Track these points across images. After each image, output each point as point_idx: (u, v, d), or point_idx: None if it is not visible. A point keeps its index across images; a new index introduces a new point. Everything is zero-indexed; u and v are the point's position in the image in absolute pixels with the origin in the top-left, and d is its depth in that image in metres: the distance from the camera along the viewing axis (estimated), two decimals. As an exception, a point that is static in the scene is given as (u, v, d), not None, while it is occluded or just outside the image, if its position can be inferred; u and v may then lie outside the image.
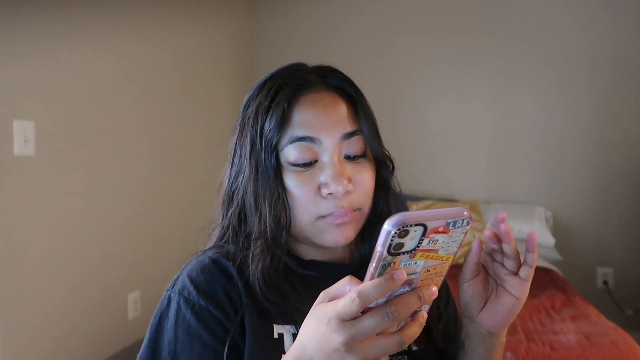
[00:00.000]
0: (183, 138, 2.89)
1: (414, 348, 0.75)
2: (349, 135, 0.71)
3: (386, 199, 0.76)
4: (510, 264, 0.64)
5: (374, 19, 3.42)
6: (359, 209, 0.72)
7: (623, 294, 3.09)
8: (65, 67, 2.11)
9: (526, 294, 0.65)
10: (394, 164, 0.78)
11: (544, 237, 2.90)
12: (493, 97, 3.29)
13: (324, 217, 0.70)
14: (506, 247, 0.63)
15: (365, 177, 0.72)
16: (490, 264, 0.67)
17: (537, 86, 3.21)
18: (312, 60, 0.79)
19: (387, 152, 0.77)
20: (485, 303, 0.67)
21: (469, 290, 0.67)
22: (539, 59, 3.20)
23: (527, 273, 0.63)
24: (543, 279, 2.41)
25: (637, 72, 3.08)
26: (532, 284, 2.17)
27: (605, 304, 2.99)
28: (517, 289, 0.64)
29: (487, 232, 0.63)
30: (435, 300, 0.77)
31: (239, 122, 0.76)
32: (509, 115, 3.27)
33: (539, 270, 2.55)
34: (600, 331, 1.77)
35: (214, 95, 3.21)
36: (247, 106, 0.75)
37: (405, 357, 0.73)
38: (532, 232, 0.63)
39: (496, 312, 0.66)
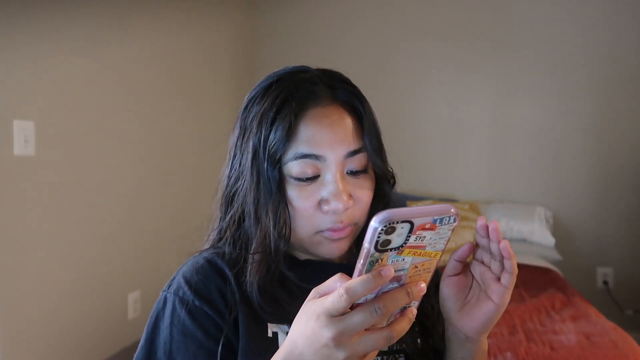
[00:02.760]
0: (183, 138, 2.89)
1: (412, 347, 0.75)
2: (353, 153, 0.71)
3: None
4: (495, 265, 0.63)
5: (375, 20, 3.42)
6: (355, 224, 0.73)
7: (623, 294, 3.09)
8: (65, 67, 2.11)
9: (506, 302, 0.63)
10: (395, 179, 0.78)
11: (544, 237, 2.89)
12: (493, 97, 3.29)
13: (321, 231, 0.71)
14: (492, 246, 0.62)
15: (364, 193, 0.72)
16: (478, 268, 0.65)
17: (537, 87, 3.21)
18: (313, 62, 0.78)
19: (389, 169, 0.77)
20: (464, 305, 0.66)
21: (444, 289, 0.66)
22: (538, 60, 3.20)
23: (507, 280, 0.61)
24: (543, 279, 2.41)
25: (635, 72, 3.08)
26: (532, 283, 2.17)
27: (605, 304, 2.99)
28: (497, 295, 0.62)
29: (480, 222, 0.62)
30: (434, 304, 0.78)
31: (238, 123, 0.75)
32: (509, 115, 3.27)
33: (539, 270, 2.55)
34: (600, 331, 1.76)
35: (214, 95, 3.21)
36: (248, 108, 0.73)
37: (402, 356, 0.73)
38: (503, 240, 0.61)
39: (473, 316, 0.65)
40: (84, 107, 2.22)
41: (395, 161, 0.78)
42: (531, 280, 2.38)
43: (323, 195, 0.70)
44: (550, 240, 2.89)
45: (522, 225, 2.93)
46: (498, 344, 1.67)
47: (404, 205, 0.77)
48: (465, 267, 0.67)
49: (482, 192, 3.28)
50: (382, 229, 0.46)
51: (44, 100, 2.03)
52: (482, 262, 0.65)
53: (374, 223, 0.47)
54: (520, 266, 2.59)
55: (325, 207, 0.69)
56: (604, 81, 3.12)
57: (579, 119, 3.16)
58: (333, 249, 0.72)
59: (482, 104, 3.30)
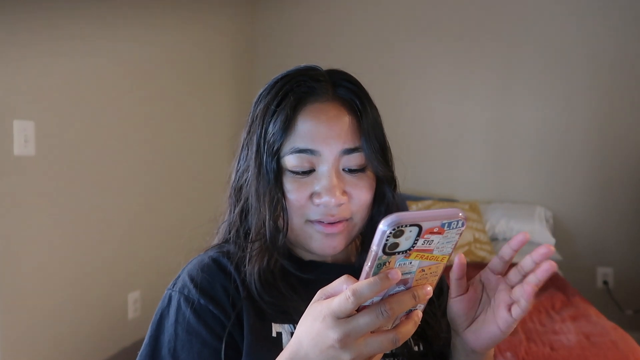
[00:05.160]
0: (183, 138, 2.89)
1: (416, 348, 0.75)
2: (349, 151, 0.71)
3: (387, 214, 0.76)
4: (518, 290, 0.61)
5: (374, 20, 3.42)
6: (350, 219, 0.73)
7: (623, 294, 3.09)
8: (65, 67, 2.11)
9: (511, 330, 0.63)
10: (397, 182, 0.78)
11: (544, 237, 2.89)
12: (493, 97, 3.29)
13: (311, 222, 0.71)
14: (532, 278, 0.60)
15: (362, 191, 0.72)
16: (493, 283, 0.64)
17: (537, 86, 3.21)
18: (312, 61, 0.79)
19: (391, 171, 0.76)
20: (472, 321, 0.66)
21: (454, 306, 0.66)
22: (538, 59, 3.20)
23: (517, 314, 0.61)
24: (543, 279, 2.40)
25: (636, 71, 3.08)
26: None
27: (605, 304, 2.99)
28: (503, 323, 0.62)
29: (522, 237, 0.61)
30: (436, 310, 0.78)
31: (249, 117, 0.76)
32: (509, 115, 3.27)
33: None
34: (600, 331, 1.77)
35: (215, 95, 3.21)
36: (258, 101, 0.75)
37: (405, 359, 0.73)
38: (530, 282, 0.59)
39: (479, 335, 0.65)
40: (84, 107, 2.22)
41: (396, 162, 0.78)
42: (531, 280, 2.37)
43: (316, 189, 0.70)
44: (550, 240, 2.89)
45: (522, 225, 2.93)
46: (498, 343, 1.66)
47: (404, 205, 0.77)
48: (473, 280, 0.66)
49: (482, 192, 3.28)
50: (390, 232, 0.47)
51: (44, 100, 2.03)
52: (499, 276, 0.64)
53: (382, 226, 0.47)
54: (520, 266, 2.59)
55: (317, 201, 0.70)
56: (604, 81, 3.12)
57: (579, 119, 3.16)
58: (325, 246, 0.72)
59: (482, 104, 3.30)
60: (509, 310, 0.61)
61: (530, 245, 2.92)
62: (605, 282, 3.12)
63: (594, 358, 1.56)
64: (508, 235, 2.97)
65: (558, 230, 3.12)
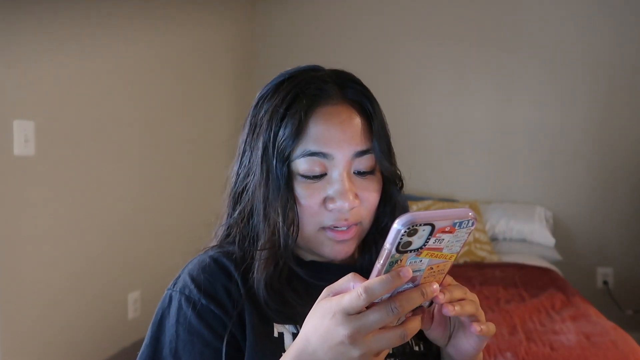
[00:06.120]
0: (183, 138, 2.89)
1: (416, 348, 0.75)
2: (361, 153, 0.71)
3: (392, 214, 0.76)
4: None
5: (375, 21, 3.42)
6: (359, 223, 0.73)
7: (623, 294, 3.09)
8: (65, 67, 2.11)
9: (484, 345, 0.63)
10: (403, 182, 0.78)
11: (544, 237, 2.90)
12: (493, 97, 3.29)
13: (324, 228, 0.71)
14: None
15: (371, 194, 0.72)
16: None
17: (537, 87, 3.22)
18: (312, 62, 0.78)
19: (398, 171, 0.77)
20: (450, 337, 0.66)
21: (429, 336, 0.66)
22: (538, 60, 3.20)
23: (478, 331, 0.61)
24: (543, 279, 2.41)
25: (634, 71, 3.08)
26: (532, 284, 2.14)
27: (605, 304, 2.99)
28: (475, 341, 0.63)
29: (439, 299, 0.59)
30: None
31: (249, 120, 0.75)
32: (509, 115, 3.27)
33: (539, 270, 2.56)
34: (600, 331, 1.77)
35: (214, 95, 3.21)
36: (259, 105, 0.74)
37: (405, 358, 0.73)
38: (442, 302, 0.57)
39: (459, 350, 0.65)
40: (84, 107, 2.21)
41: (399, 162, 0.78)
42: (531, 280, 2.38)
43: (329, 193, 0.70)
44: (550, 240, 2.89)
45: (522, 225, 2.94)
46: (498, 344, 1.67)
47: (406, 204, 0.77)
48: (434, 305, 0.65)
49: (482, 192, 3.28)
50: (405, 232, 0.48)
51: (44, 100, 2.02)
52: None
53: (397, 225, 0.48)
54: (520, 266, 2.60)
55: (331, 205, 0.70)
56: (603, 81, 3.13)
57: (578, 119, 3.16)
58: (336, 251, 0.72)
59: (482, 104, 3.30)
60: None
61: (531, 246, 2.93)
62: (605, 282, 3.12)
63: (594, 358, 1.56)
64: (508, 236, 2.98)
65: (558, 230, 3.12)
